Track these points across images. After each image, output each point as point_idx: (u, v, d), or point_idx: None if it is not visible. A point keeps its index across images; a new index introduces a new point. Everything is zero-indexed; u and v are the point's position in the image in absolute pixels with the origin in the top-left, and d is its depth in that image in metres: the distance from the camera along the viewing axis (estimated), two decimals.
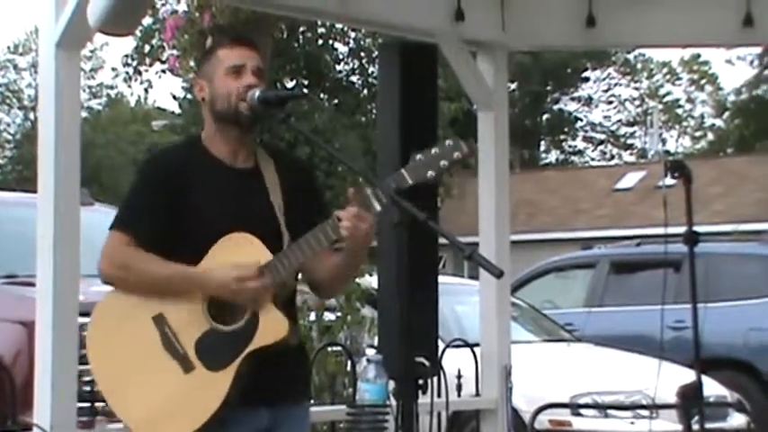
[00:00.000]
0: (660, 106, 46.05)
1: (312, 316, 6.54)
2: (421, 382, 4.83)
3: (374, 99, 25.18)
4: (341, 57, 30.14)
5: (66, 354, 4.07)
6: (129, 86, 37.01)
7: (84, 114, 36.32)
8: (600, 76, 47.21)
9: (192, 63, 6.92)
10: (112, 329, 3.28)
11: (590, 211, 27.61)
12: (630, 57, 46.30)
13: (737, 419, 8.03)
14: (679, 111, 48.97)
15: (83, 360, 4.24)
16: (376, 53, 23.91)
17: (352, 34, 29.10)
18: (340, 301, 6.59)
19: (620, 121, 48.26)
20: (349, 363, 5.57)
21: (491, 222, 5.65)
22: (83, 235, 4.17)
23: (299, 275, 3.42)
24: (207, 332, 3.22)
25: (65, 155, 4.16)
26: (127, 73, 31.06)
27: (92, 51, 44.64)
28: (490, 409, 5.62)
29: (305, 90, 27.77)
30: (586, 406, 7.42)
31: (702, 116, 48.85)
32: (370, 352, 5.60)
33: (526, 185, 28.34)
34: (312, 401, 5.41)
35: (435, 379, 5.27)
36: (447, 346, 5.53)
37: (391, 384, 3.71)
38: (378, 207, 3.24)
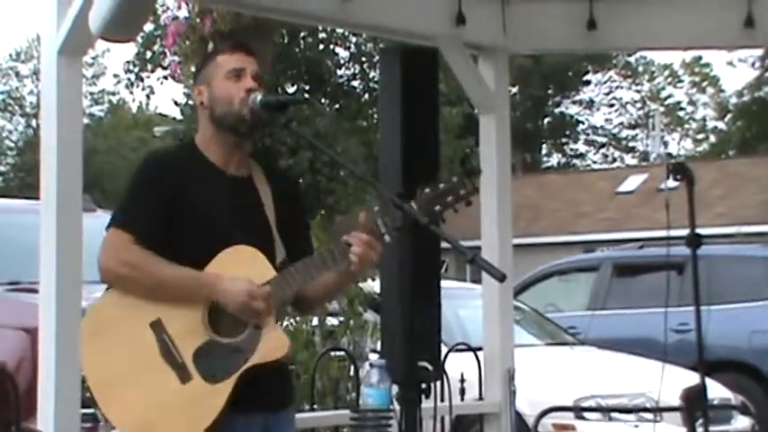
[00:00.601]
0: (662, 109, 46.05)
1: (315, 321, 6.54)
2: (424, 386, 4.83)
3: (375, 104, 25.20)
4: (342, 62, 30.18)
5: (69, 360, 4.07)
6: (131, 93, 37.18)
7: (85, 121, 36.34)
8: (601, 79, 47.23)
9: (193, 69, 6.92)
10: (108, 332, 3.22)
11: (592, 215, 27.60)
12: (632, 59, 46.35)
13: (741, 422, 8.02)
14: (681, 113, 48.98)
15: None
16: (377, 58, 23.95)
17: (353, 39, 29.14)
18: (343, 305, 6.59)
19: (621, 123, 48.29)
20: (352, 367, 5.57)
21: (493, 226, 5.65)
22: (85, 241, 4.17)
23: None
24: (206, 343, 3.18)
25: (67, 161, 4.16)
26: (129, 79, 31.18)
27: (93, 58, 44.75)
28: (493, 413, 5.62)
29: (306, 95, 27.81)
30: (590, 409, 7.41)
31: (704, 118, 48.88)
32: (374, 357, 5.60)
33: (528, 189, 28.36)
34: (315, 407, 5.43)
35: (438, 383, 5.26)
36: (450, 351, 5.53)
37: (394, 389, 3.71)
38: (387, 239, 3.24)
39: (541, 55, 28.91)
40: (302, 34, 28.04)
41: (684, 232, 4.73)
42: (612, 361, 8.74)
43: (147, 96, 39.34)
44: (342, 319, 6.66)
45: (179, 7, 7.30)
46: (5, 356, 5.26)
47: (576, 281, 12.19)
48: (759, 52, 38.45)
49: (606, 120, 48.06)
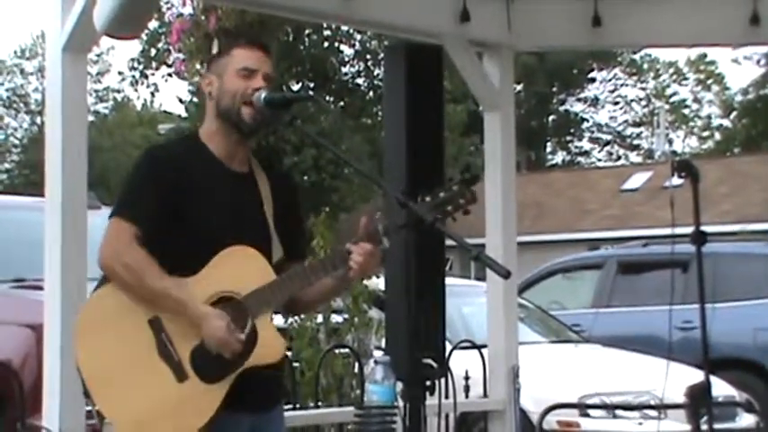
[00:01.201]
0: (667, 106, 46.00)
1: (320, 318, 6.55)
2: (429, 383, 4.83)
3: (380, 101, 25.20)
4: (346, 59, 30.18)
5: (74, 357, 4.07)
6: (136, 90, 37.17)
7: (90, 118, 36.40)
8: (606, 77, 47.19)
9: (198, 66, 6.92)
10: (105, 324, 3.22)
11: (597, 212, 27.58)
12: (637, 57, 46.29)
13: (746, 419, 8.01)
14: (686, 111, 48.92)
15: None
16: (382, 55, 23.96)
17: (358, 36, 29.14)
18: (347, 303, 6.59)
19: (626, 121, 48.24)
20: (356, 364, 5.57)
21: (498, 223, 5.65)
22: (90, 238, 4.18)
23: None
24: (203, 342, 3.18)
25: (72, 158, 4.17)
26: (133, 77, 31.18)
27: (98, 55, 44.78)
28: (498, 410, 5.62)
29: (311, 92, 27.80)
30: (594, 406, 7.41)
31: (709, 116, 48.82)
32: (378, 354, 5.60)
33: (532, 187, 28.33)
34: (320, 404, 5.43)
35: (443, 380, 5.27)
36: (454, 348, 5.53)
37: (399, 386, 3.70)
38: (386, 244, 3.25)
39: (546, 52, 28.88)
40: (307, 31, 28.05)
41: (689, 230, 4.72)
42: (617, 358, 8.74)
43: (152, 94, 39.39)
44: (346, 316, 6.67)
45: (183, 4, 7.29)
46: (11, 353, 5.26)
47: (580, 278, 12.18)
48: (764, 50, 38.41)
49: (611, 117, 48.05)
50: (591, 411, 7.42)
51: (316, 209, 8.81)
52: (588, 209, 27.94)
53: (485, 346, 5.73)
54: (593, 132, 48.24)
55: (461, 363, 5.63)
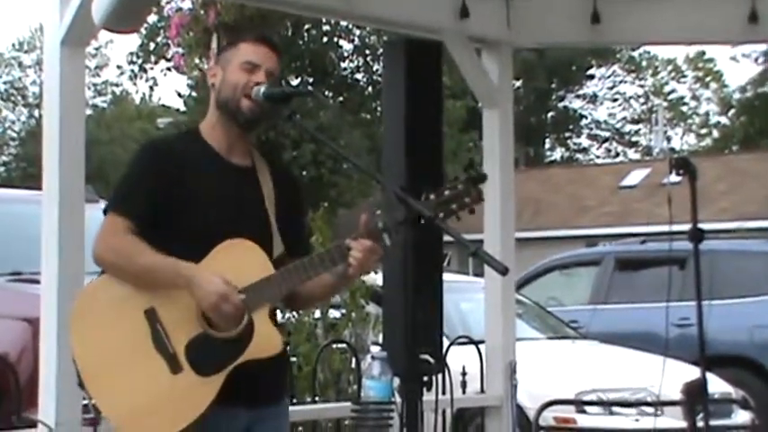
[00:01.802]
0: (665, 104, 46.01)
1: (317, 313, 6.54)
2: (426, 379, 4.83)
3: (379, 96, 25.19)
4: (346, 54, 30.15)
5: (70, 351, 4.07)
6: (135, 84, 37.13)
7: (88, 112, 36.34)
8: (605, 74, 47.20)
9: (197, 60, 6.92)
10: (100, 315, 3.21)
11: (595, 209, 27.60)
12: (635, 54, 46.32)
13: (742, 416, 8.02)
14: (684, 108, 48.94)
15: None
16: (381, 51, 23.93)
17: (357, 32, 29.12)
18: (345, 298, 6.59)
19: (624, 118, 48.27)
20: (354, 360, 5.57)
21: (496, 219, 5.65)
22: (87, 232, 4.17)
23: None
24: (199, 335, 3.16)
25: (69, 152, 4.16)
26: (132, 71, 31.14)
27: (96, 49, 44.74)
28: (495, 406, 5.62)
29: (310, 87, 27.79)
30: (591, 403, 7.41)
31: (707, 113, 48.85)
32: (375, 349, 5.60)
33: (531, 183, 28.35)
34: (317, 399, 5.43)
35: (440, 376, 5.27)
36: (452, 344, 5.53)
37: (396, 381, 3.70)
38: (387, 242, 3.23)
39: (545, 49, 28.87)
40: (306, 26, 28.01)
41: (687, 227, 4.73)
42: (614, 355, 8.75)
43: (151, 88, 39.37)
44: (344, 311, 6.67)
45: None
46: (7, 347, 5.26)
47: (578, 275, 12.19)
48: (763, 47, 38.47)
49: (609, 114, 48.08)
50: (587, 408, 7.43)
51: (314, 204, 8.81)
52: (586, 205, 27.96)
53: (482, 342, 5.73)
54: (591, 129, 48.27)
55: (459, 359, 5.63)
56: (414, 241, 4.41)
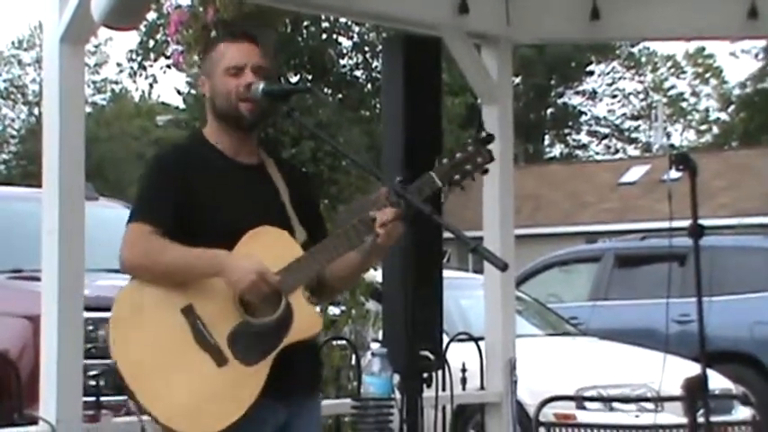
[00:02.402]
0: (665, 100, 45.99)
1: (317, 307, 6.54)
2: (426, 375, 4.83)
3: (378, 93, 25.18)
4: (345, 51, 30.14)
5: (71, 348, 4.08)
6: (134, 82, 37.11)
7: (88, 109, 36.36)
8: (604, 70, 47.17)
9: (196, 58, 6.91)
10: (138, 319, 3.19)
11: (594, 205, 27.59)
12: (635, 50, 46.27)
13: (742, 412, 8.02)
14: (683, 104, 48.92)
15: (88, 354, 4.26)
16: (380, 47, 23.92)
17: (356, 28, 29.09)
18: (344, 295, 6.59)
19: (624, 114, 48.23)
20: (354, 356, 5.57)
21: (495, 216, 5.65)
22: (87, 229, 4.17)
23: None
24: (239, 324, 3.18)
25: (69, 150, 4.16)
26: (131, 68, 31.10)
27: (96, 47, 44.72)
28: (495, 403, 5.62)
29: (309, 84, 27.78)
30: (591, 399, 7.42)
31: (707, 110, 48.82)
32: (375, 346, 5.61)
33: (530, 179, 28.33)
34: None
35: (440, 372, 5.27)
36: (451, 340, 5.53)
37: (396, 378, 3.71)
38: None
39: (544, 45, 28.87)
40: (305, 23, 28.00)
41: (687, 223, 4.72)
42: (614, 351, 8.75)
43: (150, 85, 39.25)
44: (344, 308, 6.67)
45: None
46: (8, 344, 5.27)
47: (577, 271, 12.19)
48: (762, 43, 38.37)
49: (609, 110, 48.04)
50: (588, 404, 7.43)
51: None
52: (586, 202, 27.95)
53: (482, 339, 5.73)
54: (591, 125, 48.23)
55: (458, 355, 5.63)
56: (413, 238, 4.41)
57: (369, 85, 29.40)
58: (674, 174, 4.80)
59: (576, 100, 47.34)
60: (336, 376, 5.65)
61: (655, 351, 7.78)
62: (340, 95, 28.95)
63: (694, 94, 48.90)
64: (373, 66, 29.05)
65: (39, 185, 4.30)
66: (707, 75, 48.29)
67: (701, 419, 4.80)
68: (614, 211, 26.60)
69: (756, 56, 41.85)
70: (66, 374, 4.05)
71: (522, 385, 5.75)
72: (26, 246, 5.40)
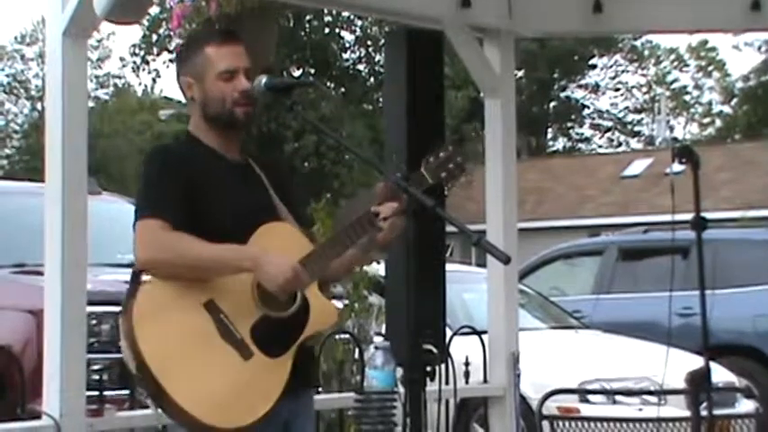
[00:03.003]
0: (667, 93, 45.97)
1: None
2: (429, 369, 4.83)
3: (381, 87, 25.18)
4: (347, 45, 30.15)
5: (74, 342, 4.08)
6: (137, 76, 37.07)
7: (91, 104, 36.37)
8: (607, 63, 47.14)
9: None
10: (161, 315, 3.16)
11: (597, 199, 27.59)
12: (638, 43, 46.25)
13: (746, 405, 8.02)
14: (686, 97, 48.89)
15: (91, 348, 4.26)
16: (383, 41, 23.92)
17: (359, 22, 29.10)
18: (347, 288, 6.59)
19: (627, 108, 48.21)
20: (357, 350, 5.58)
21: (498, 209, 5.64)
22: (90, 224, 4.18)
23: None
24: (261, 318, 3.19)
25: (72, 144, 4.16)
26: (134, 63, 31.13)
27: (98, 41, 44.73)
28: (498, 396, 5.63)
29: (311, 78, 27.77)
30: (594, 392, 7.42)
31: (710, 103, 48.80)
32: (378, 339, 5.61)
33: (533, 173, 28.34)
34: (320, 389, 5.44)
35: (443, 366, 5.28)
36: (455, 334, 5.53)
37: (399, 371, 3.70)
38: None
39: (547, 39, 28.85)
40: (308, 17, 28.01)
41: (689, 216, 4.72)
42: (617, 344, 8.75)
43: (153, 80, 39.34)
44: (347, 302, 6.67)
45: None
46: (11, 339, 5.27)
47: (580, 265, 12.19)
48: (765, 36, 38.38)
49: (612, 104, 48.03)
50: (591, 397, 7.44)
51: (317, 195, 8.80)
52: (589, 195, 27.95)
53: (485, 332, 5.73)
54: (593, 119, 48.21)
55: (462, 349, 5.63)
56: (416, 231, 4.41)
57: (371, 79, 29.41)
58: (676, 167, 4.79)
59: (578, 93, 47.34)
60: (339, 370, 5.65)
61: (658, 344, 7.78)
62: (342, 89, 28.96)
63: (697, 87, 48.90)
64: (376, 60, 29.07)
65: (42, 180, 4.31)
66: (710, 68, 48.25)
67: (704, 412, 4.80)
68: (617, 205, 26.60)
69: (759, 49, 41.86)
70: (69, 369, 4.05)
71: (526, 378, 5.75)
72: (29, 240, 5.40)
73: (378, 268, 6.28)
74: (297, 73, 28.22)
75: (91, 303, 4.22)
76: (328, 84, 28.23)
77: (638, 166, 28.57)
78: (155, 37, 29.03)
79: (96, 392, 4.33)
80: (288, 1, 5.97)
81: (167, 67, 28.04)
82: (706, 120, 48.75)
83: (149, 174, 3.32)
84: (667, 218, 5.09)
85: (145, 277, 3.20)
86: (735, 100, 45.69)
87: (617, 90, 47.73)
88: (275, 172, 3.53)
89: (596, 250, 11.87)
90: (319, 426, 5.53)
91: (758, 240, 10.88)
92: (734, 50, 52.27)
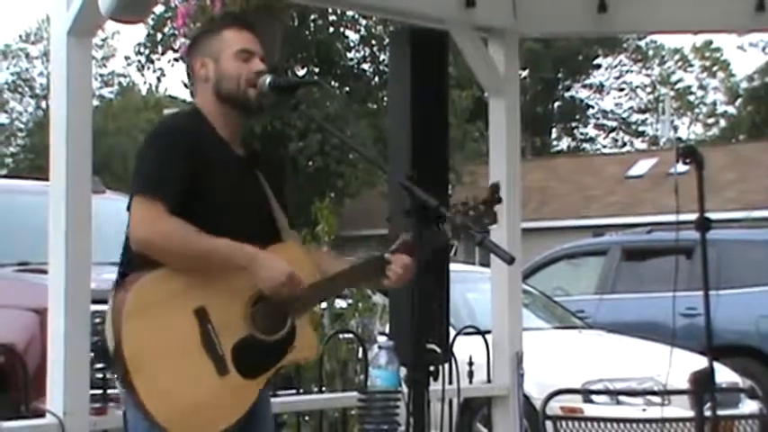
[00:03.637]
0: (672, 93, 45.93)
1: (324, 303, 6.54)
2: (432, 368, 4.83)
3: (385, 87, 25.18)
4: (352, 44, 30.14)
5: (78, 341, 4.09)
6: (142, 75, 37.13)
7: (95, 103, 36.38)
8: (611, 63, 47.12)
9: None
10: (151, 312, 3.15)
11: (601, 199, 27.57)
12: (642, 43, 46.22)
13: (750, 406, 8.02)
14: (691, 97, 48.86)
15: (95, 347, 4.26)
16: (387, 41, 23.89)
17: (363, 22, 29.09)
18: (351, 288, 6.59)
19: (631, 108, 48.19)
20: (360, 349, 5.58)
21: (502, 209, 5.61)
22: (94, 223, 4.18)
23: None
24: (245, 338, 3.19)
25: (76, 143, 4.16)
26: (139, 61, 31.14)
27: (103, 40, 44.74)
28: (502, 396, 5.63)
29: (316, 77, 27.78)
30: (598, 392, 7.42)
31: (714, 103, 48.75)
32: (382, 339, 5.61)
33: (537, 173, 28.32)
34: (323, 389, 5.44)
35: (447, 366, 5.27)
36: (458, 333, 5.53)
37: (403, 371, 3.70)
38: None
39: (552, 39, 28.83)
40: (312, 17, 28.00)
41: (694, 216, 4.72)
42: (620, 345, 8.75)
43: (158, 79, 39.36)
44: (350, 301, 6.67)
45: None
46: (15, 337, 5.28)
47: (584, 265, 12.19)
48: None
49: (616, 104, 48.01)
50: (594, 397, 7.43)
51: (320, 194, 8.81)
52: (593, 195, 27.92)
53: (489, 332, 5.73)
54: (598, 119, 48.20)
55: (465, 348, 5.63)
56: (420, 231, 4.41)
57: (376, 79, 29.40)
58: (681, 167, 4.78)
59: (583, 93, 47.32)
60: (343, 369, 5.65)
61: (661, 344, 7.78)
62: (347, 89, 28.96)
63: (702, 87, 48.85)
64: (380, 59, 29.06)
65: (46, 178, 4.31)
66: (714, 68, 48.21)
67: (707, 413, 4.80)
68: (621, 205, 26.57)
69: (764, 49, 41.85)
70: (73, 367, 4.05)
71: (529, 378, 5.75)
72: (33, 239, 5.40)
73: None
74: (301, 72, 28.22)
75: (95, 302, 4.22)
76: (333, 83, 28.23)
77: (642, 167, 28.55)
78: (159, 36, 29.04)
79: (100, 390, 4.33)
80: (293, 0, 5.96)
81: (172, 65, 28.11)
82: (710, 120, 48.72)
83: (153, 150, 3.26)
84: (671, 218, 5.09)
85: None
86: (739, 100, 45.64)
87: (621, 90, 47.73)
88: (275, 172, 3.54)
89: (600, 250, 11.86)
90: (323, 425, 5.54)
91: (762, 241, 10.87)
92: (738, 51, 52.33)
